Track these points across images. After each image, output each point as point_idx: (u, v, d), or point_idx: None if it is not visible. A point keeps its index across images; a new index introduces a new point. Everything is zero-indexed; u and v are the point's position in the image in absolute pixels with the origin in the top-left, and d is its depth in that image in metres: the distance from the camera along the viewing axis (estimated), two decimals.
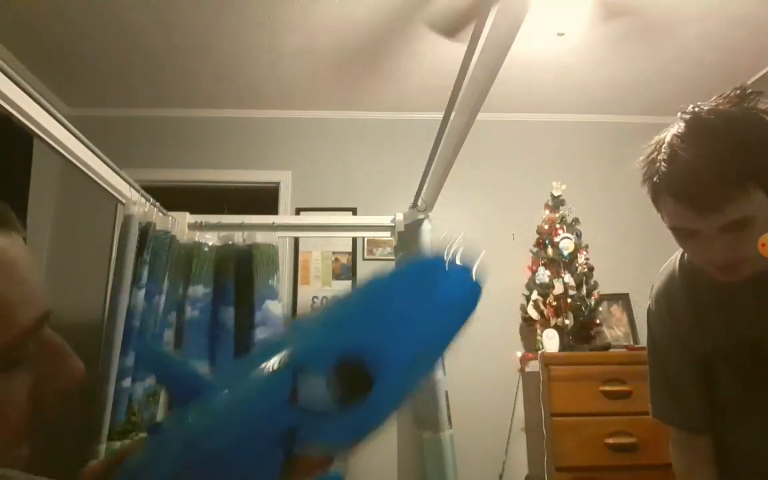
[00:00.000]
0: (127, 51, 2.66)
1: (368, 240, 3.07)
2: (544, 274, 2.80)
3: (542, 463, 2.34)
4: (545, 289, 2.78)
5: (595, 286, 2.83)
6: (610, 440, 2.28)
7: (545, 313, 2.76)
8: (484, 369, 2.85)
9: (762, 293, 0.86)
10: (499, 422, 2.81)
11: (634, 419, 2.25)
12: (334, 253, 3.06)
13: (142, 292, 1.83)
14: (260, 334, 1.96)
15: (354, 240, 3.08)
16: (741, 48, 2.64)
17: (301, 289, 3.00)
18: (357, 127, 3.27)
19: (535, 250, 2.93)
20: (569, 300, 2.73)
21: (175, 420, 0.43)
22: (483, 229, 3.09)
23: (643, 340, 1.11)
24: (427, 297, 0.40)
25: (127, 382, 1.74)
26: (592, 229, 2.94)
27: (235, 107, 3.21)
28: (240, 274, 2.06)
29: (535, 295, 2.81)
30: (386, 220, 2.23)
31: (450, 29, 2.34)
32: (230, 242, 2.12)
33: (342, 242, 3.06)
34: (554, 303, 2.74)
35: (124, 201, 1.88)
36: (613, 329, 2.89)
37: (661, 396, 1.05)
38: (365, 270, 3.04)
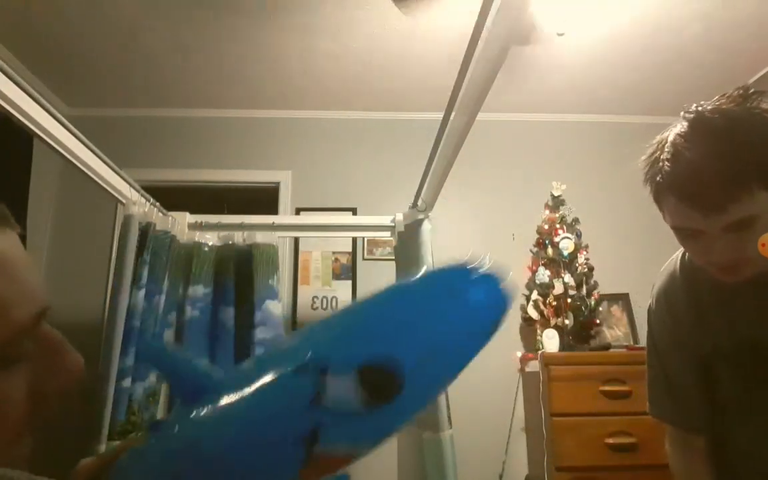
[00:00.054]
0: (127, 51, 2.66)
1: (368, 240, 3.07)
2: (544, 274, 2.80)
3: (542, 463, 2.34)
4: (545, 289, 2.78)
5: (595, 286, 2.83)
6: (610, 440, 2.28)
7: (545, 313, 2.76)
8: (484, 369, 2.85)
9: (762, 294, 0.86)
10: (499, 422, 2.81)
11: (634, 419, 2.25)
12: (334, 253, 3.06)
13: (142, 292, 1.83)
14: (260, 334, 1.96)
15: (354, 240, 3.08)
16: (741, 48, 2.64)
17: (301, 289, 3.00)
18: (357, 127, 3.27)
19: (535, 250, 2.93)
20: (569, 300, 2.73)
21: (179, 418, 0.42)
22: (483, 229, 3.09)
23: (643, 340, 1.11)
24: (455, 303, 0.40)
25: (127, 382, 1.74)
26: (592, 229, 2.94)
27: (235, 107, 3.21)
28: (240, 274, 2.06)
29: (535, 295, 2.81)
30: (386, 220, 2.23)
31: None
32: (230, 242, 2.12)
33: (342, 242, 3.06)
34: (554, 303, 2.74)
35: (124, 201, 1.88)
36: (613, 329, 2.89)
37: (659, 395, 1.05)
38: (365, 270, 3.04)
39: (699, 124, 0.79)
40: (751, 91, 0.79)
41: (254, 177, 3.19)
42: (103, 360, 1.71)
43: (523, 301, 2.91)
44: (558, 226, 2.88)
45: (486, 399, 2.82)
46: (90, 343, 1.75)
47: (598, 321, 2.79)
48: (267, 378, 0.39)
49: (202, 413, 0.39)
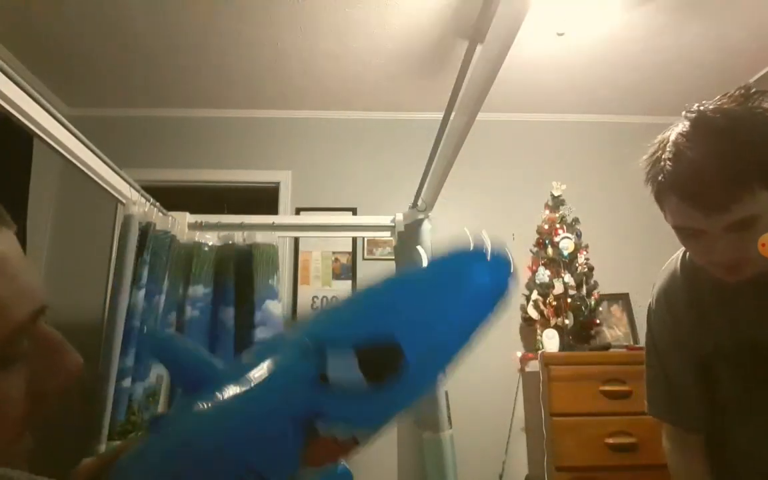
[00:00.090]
0: (127, 51, 2.66)
1: (368, 240, 3.07)
2: (544, 274, 2.80)
3: (542, 463, 2.34)
4: (545, 289, 2.78)
5: (595, 286, 2.83)
6: (610, 440, 2.28)
7: (545, 313, 2.76)
8: (484, 369, 2.85)
9: (763, 293, 0.86)
10: (499, 422, 2.81)
11: (634, 419, 2.25)
12: (334, 253, 3.06)
13: (142, 292, 1.83)
14: (260, 334, 1.96)
15: (354, 240, 3.08)
16: (741, 48, 2.64)
17: (301, 289, 3.00)
18: (357, 127, 3.27)
19: (535, 250, 2.94)
20: (569, 300, 2.73)
21: (180, 411, 0.42)
22: (483, 229, 3.09)
23: (643, 340, 1.11)
24: (457, 286, 0.39)
25: (127, 382, 1.74)
26: (592, 229, 2.94)
27: (235, 107, 3.21)
28: (240, 274, 2.06)
29: (535, 295, 2.81)
30: (386, 220, 2.23)
31: None
32: (230, 242, 2.12)
33: (342, 242, 3.06)
34: (554, 303, 2.74)
35: (124, 201, 1.88)
36: (613, 329, 2.89)
37: (658, 394, 1.05)
38: (365, 270, 3.04)
39: (701, 124, 0.79)
40: (753, 90, 0.79)
41: (254, 177, 3.19)
42: (103, 360, 1.71)
43: (523, 301, 2.92)
44: (558, 226, 2.88)
45: (486, 399, 2.82)
46: (90, 343, 1.75)
47: (598, 321, 2.79)
48: (268, 363, 0.39)
49: (202, 406, 0.39)
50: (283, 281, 2.86)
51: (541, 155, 3.26)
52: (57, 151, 1.45)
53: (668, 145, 0.82)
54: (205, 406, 0.39)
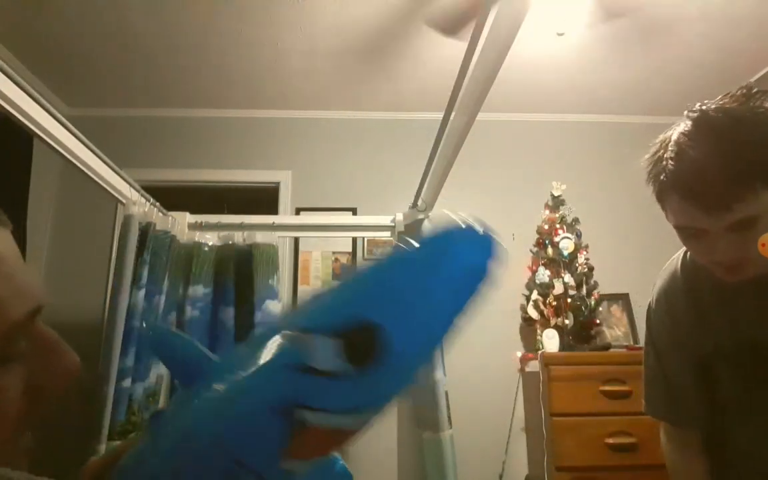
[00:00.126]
0: (127, 51, 2.66)
1: (368, 240, 3.07)
2: (544, 274, 2.80)
3: (542, 463, 2.34)
4: (545, 289, 2.78)
5: (595, 286, 2.83)
6: (610, 440, 2.28)
7: (545, 313, 2.76)
8: (484, 369, 2.85)
9: (763, 294, 0.86)
10: (499, 422, 2.81)
11: (634, 419, 2.25)
12: (334, 253, 3.06)
13: (142, 292, 1.83)
14: None
15: (354, 240, 3.08)
16: (741, 48, 2.65)
17: (301, 289, 3.00)
18: (357, 127, 3.27)
19: (535, 250, 2.94)
20: (569, 300, 2.73)
21: (178, 407, 0.42)
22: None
23: (643, 340, 1.11)
24: (441, 263, 0.39)
25: (127, 382, 1.74)
26: (592, 229, 2.95)
27: (235, 107, 3.21)
28: (240, 274, 2.06)
29: (535, 295, 2.81)
30: (386, 220, 2.23)
31: (450, 27, 2.34)
32: (230, 242, 2.12)
33: (342, 242, 3.06)
34: (554, 303, 2.74)
35: (124, 201, 1.88)
36: (613, 329, 2.89)
37: (656, 394, 1.05)
38: None
39: (703, 123, 0.79)
40: (755, 90, 0.79)
41: (254, 177, 3.19)
42: (103, 360, 1.71)
43: (523, 301, 2.92)
44: (558, 226, 2.88)
45: (486, 399, 2.82)
46: (90, 343, 1.75)
47: (598, 321, 2.79)
48: (256, 353, 0.39)
49: (197, 401, 0.39)
50: (283, 281, 2.86)
51: (541, 155, 3.26)
52: (57, 151, 1.45)
53: (670, 144, 0.82)
54: (196, 399, 0.39)
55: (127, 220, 1.85)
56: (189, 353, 0.44)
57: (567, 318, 2.70)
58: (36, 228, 2.87)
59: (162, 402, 1.87)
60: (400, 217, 2.15)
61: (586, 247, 2.88)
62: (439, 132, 1.56)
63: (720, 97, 0.81)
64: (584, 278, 2.81)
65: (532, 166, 3.23)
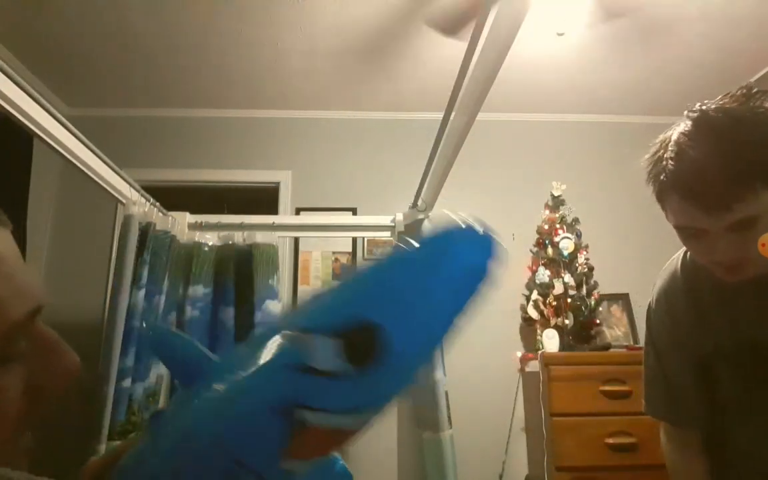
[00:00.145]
0: (127, 51, 2.66)
1: (368, 240, 3.07)
2: (544, 274, 2.80)
3: (542, 463, 2.34)
4: (545, 289, 2.78)
5: (595, 286, 2.83)
6: (610, 440, 2.28)
7: (545, 313, 2.76)
8: (484, 369, 2.85)
9: (763, 294, 0.86)
10: (499, 422, 2.81)
11: (634, 419, 2.25)
12: (334, 253, 3.06)
13: (142, 292, 1.83)
14: None
15: (354, 240, 3.08)
16: (741, 48, 2.65)
17: (301, 289, 3.00)
18: (357, 127, 3.27)
19: (535, 250, 2.94)
20: (569, 300, 2.73)
21: (177, 407, 0.42)
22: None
23: (643, 340, 1.11)
24: (441, 263, 0.38)
25: (127, 382, 1.74)
26: (592, 229, 2.95)
27: (235, 107, 3.21)
28: (240, 274, 2.06)
29: (535, 295, 2.81)
30: (386, 220, 2.23)
31: (450, 27, 2.34)
32: (230, 242, 2.12)
33: (342, 242, 3.06)
34: (554, 303, 2.74)
35: (124, 201, 1.88)
36: (613, 329, 2.89)
37: (656, 394, 1.05)
38: None
39: (703, 123, 0.79)
40: (755, 90, 0.79)
41: (254, 177, 3.19)
42: (103, 360, 1.71)
43: (523, 301, 2.92)
44: (558, 226, 2.88)
45: (486, 399, 2.82)
46: (90, 343, 1.75)
47: (598, 321, 2.79)
48: (256, 353, 0.39)
49: (197, 401, 0.39)
50: (283, 281, 2.86)
51: (541, 155, 3.26)
52: (57, 151, 1.45)
53: (670, 144, 0.82)
54: (196, 399, 0.39)
55: (127, 220, 1.85)
56: (189, 353, 0.44)
57: (567, 318, 2.70)
58: (36, 228, 2.87)
59: (162, 402, 1.87)
60: (400, 217, 2.15)
61: (586, 247, 2.88)
62: (439, 132, 1.56)
63: (720, 97, 0.81)
64: (584, 278, 2.81)
65: (532, 166, 3.23)
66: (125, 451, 0.43)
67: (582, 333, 2.74)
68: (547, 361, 2.46)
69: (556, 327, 2.70)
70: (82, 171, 1.61)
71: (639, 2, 2.31)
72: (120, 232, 1.88)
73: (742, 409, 0.93)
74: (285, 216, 2.98)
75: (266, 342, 0.39)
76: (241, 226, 2.14)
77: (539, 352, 2.56)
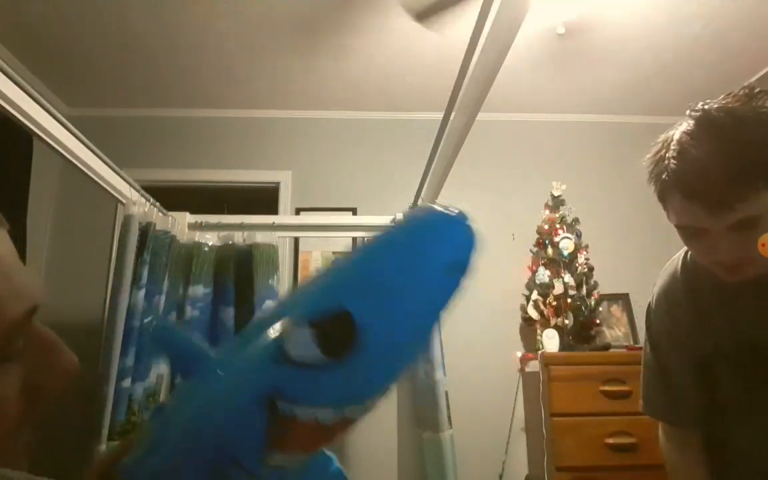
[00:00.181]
0: (127, 51, 2.66)
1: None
2: (544, 274, 2.80)
3: (542, 463, 2.34)
4: (545, 289, 2.78)
5: (595, 286, 2.83)
6: (610, 440, 2.28)
7: (545, 313, 2.76)
8: (484, 369, 2.85)
9: (763, 294, 0.86)
10: (499, 422, 2.81)
11: (634, 419, 2.25)
12: (334, 253, 3.06)
13: (142, 292, 1.83)
14: None
15: (354, 240, 3.07)
16: (741, 48, 2.64)
17: None
18: (357, 127, 3.27)
19: (535, 250, 2.93)
20: (569, 300, 2.73)
21: (177, 401, 0.42)
22: (483, 229, 3.07)
23: (643, 341, 1.11)
24: (422, 253, 0.38)
25: (127, 382, 1.74)
26: (592, 229, 2.94)
27: (235, 107, 3.21)
28: (240, 274, 2.06)
29: (535, 295, 2.81)
30: (386, 220, 2.23)
31: (422, 13, 2.27)
32: (230, 242, 2.12)
33: (342, 242, 3.06)
34: (554, 303, 2.74)
35: (124, 201, 1.88)
36: (613, 329, 2.89)
37: (655, 394, 1.05)
38: None
39: (705, 123, 0.79)
40: (757, 90, 0.79)
41: (254, 177, 3.19)
42: (103, 360, 1.71)
43: (523, 301, 2.92)
44: (558, 226, 2.88)
45: (486, 399, 2.82)
46: (90, 343, 1.75)
47: (598, 321, 2.79)
48: (245, 345, 0.39)
49: (191, 395, 0.39)
50: (283, 281, 2.85)
51: (541, 155, 3.26)
52: (57, 151, 1.45)
53: (672, 143, 0.82)
54: (191, 393, 0.40)
55: (127, 220, 1.85)
56: (186, 346, 0.45)
57: (567, 318, 2.70)
58: (36, 228, 2.87)
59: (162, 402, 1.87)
60: (400, 217, 2.15)
61: (586, 247, 2.88)
62: (439, 132, 1.56)
63: (722, 96, 0.81)
64: (584, 278, 2.81)
65: (532, 166, 3.23)
66: (129, 449, 0.44)
67: (582, 333, 2.74)
68: (547, 361, 2.46)
69: (556, 327, 2.70)
70: (82, 171, 1.61)
71: (639, 2, 2.30)
72: (120, 232, 1.88)
73: (742, 409, 0.93)
74: (285, 216, 2.98)
75: (258, 333, 0.39)
76: (241, 226, 2.14)
77: (539, 352, 2.56)
